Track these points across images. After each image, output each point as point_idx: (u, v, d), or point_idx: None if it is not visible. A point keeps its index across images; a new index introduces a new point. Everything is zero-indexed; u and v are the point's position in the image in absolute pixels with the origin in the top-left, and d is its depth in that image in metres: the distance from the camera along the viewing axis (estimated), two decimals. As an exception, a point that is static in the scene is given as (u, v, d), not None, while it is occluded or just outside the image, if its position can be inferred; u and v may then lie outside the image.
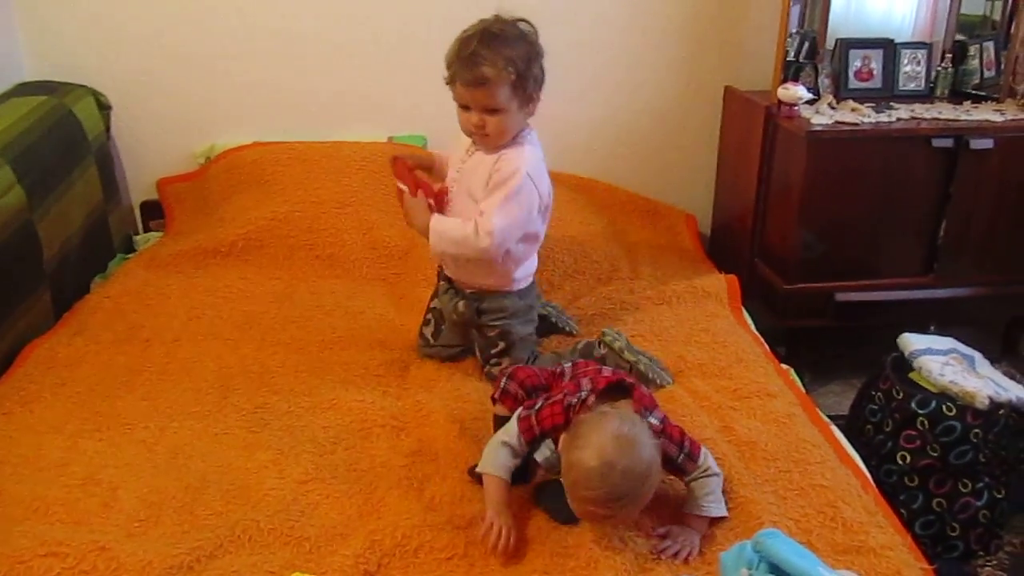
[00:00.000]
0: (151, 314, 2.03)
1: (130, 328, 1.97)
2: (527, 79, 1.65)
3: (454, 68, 1.65)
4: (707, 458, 1.41)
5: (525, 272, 1.84)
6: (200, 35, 2.44)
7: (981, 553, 1.87)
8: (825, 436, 1.63)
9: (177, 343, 1.91)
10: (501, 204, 1.68)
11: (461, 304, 1.82)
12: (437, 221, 1.73)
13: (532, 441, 1.39)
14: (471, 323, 1.83)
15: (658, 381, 1.76)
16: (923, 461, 1.84)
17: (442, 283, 1.89)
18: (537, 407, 1.40)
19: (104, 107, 2.43)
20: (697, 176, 2.72)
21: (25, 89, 2.29)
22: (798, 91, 2.21)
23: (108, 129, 2.46)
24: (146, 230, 2.59)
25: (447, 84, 1.69)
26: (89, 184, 2.27)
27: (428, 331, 1.91)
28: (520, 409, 1.44)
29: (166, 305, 2.07)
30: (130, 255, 2.39)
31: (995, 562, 1.86)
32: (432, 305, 1.92)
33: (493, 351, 1.82)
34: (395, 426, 1.64)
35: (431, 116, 2.53)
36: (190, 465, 1.51)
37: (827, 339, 2.46)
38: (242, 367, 1.82)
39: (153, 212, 2.58)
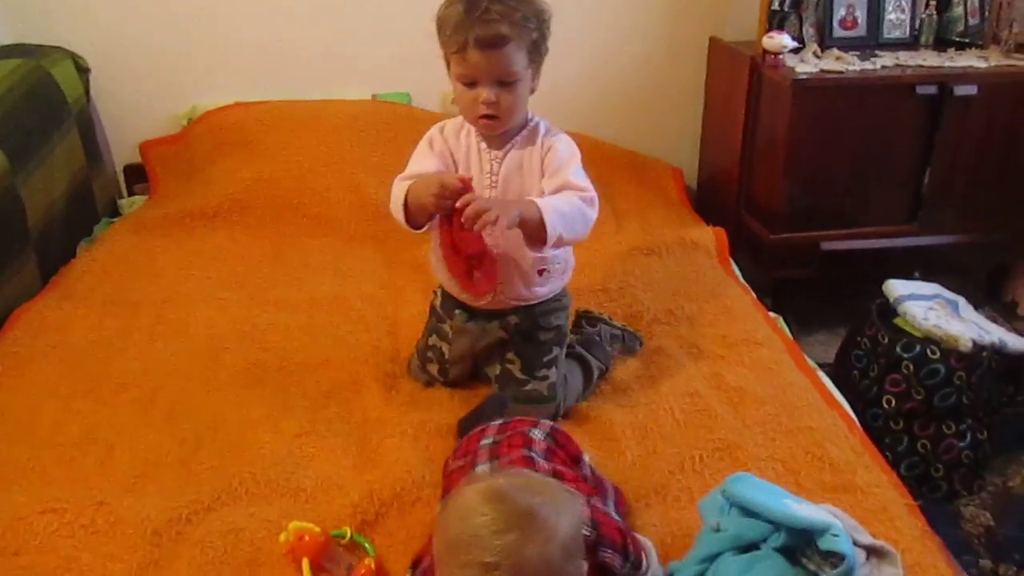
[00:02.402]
0: (139, 277, 2.02)
1: (118, 291, 1.96)
2: (541, 43, 1.44)
3: (461, 33, 1.36)
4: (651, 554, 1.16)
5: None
6: (178, -6, 2.41)
7: (964, 493, 1.91)
8: (812, 381, 1.65)
9: (167, 304, 1.91)
10: (579, 171, 1.49)
11: (513, 318, 1.57)
12: (537, 201, 1.40)
13: None
14: (523, 335, 1.58)
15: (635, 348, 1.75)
16: (908, 404, 1.87)
17: (456, 320, 1.60)
18: None
19: (83, 70, 2.40)
20: (683, 130, 2.72)
21: (1, 52, 2.25)
22: (783, 40, 2.20)
23: (88, 92, 2.42)
24: (130, 194, 2.57)
25: (448, 57, 1.43)
26: (71, 148, 2.25)
27: (433, 369, 1.65)
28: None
29: (154, 268, 2.07)
30: (115, 219, 2.37)
31: (978, 501, 1.90)
32: (431, 343, 1.64)
33: (546, 359, 1.57)
34: (388, 382, 1.65)
35: (415, 73, 2.53)
36: (185, 422, 1.52)
37: (813, 290, 2.48)
38: (233, 327, 1.82)
39: (137, 176, 2.56)
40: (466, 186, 1.37)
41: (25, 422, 1.52)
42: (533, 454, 1.21)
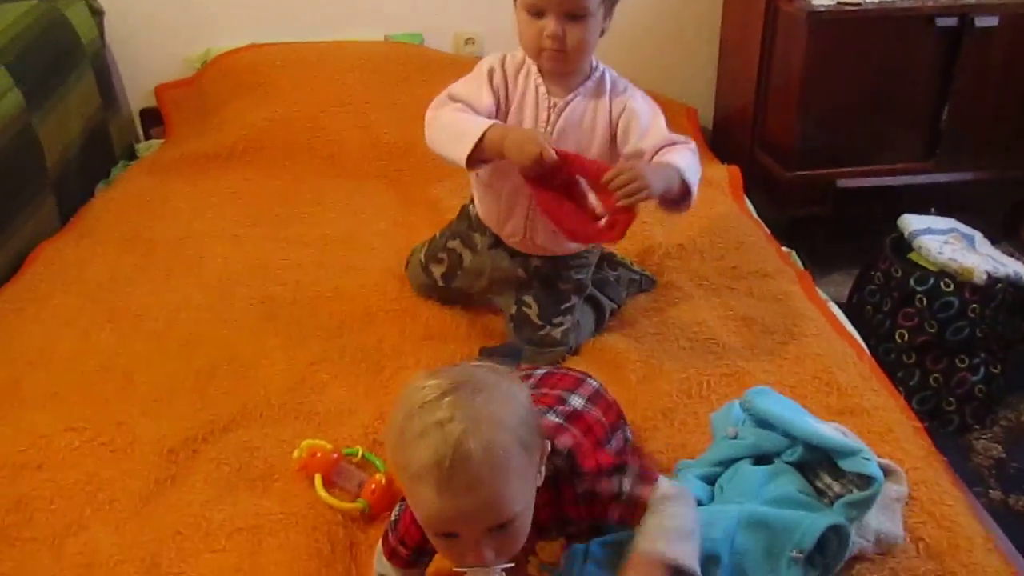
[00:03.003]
0: (155, 216, 2.05)
1: (135, 230, 1.99)
2: None
3: None
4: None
5: None
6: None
7: (976, 427, 1.91)
8: (821, 311, 1.65)
9: (182, 242, 1.94)
10: (659, 125, 1.43)
11: (536, 261, 1.55)
12: (677, 164, 1.33)
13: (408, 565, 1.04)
14: (542, 280, 1.56)
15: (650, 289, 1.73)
16: (920, 338, 1.87)
17: (485, 238, 1.58)
18: (394, 518, 1.04)
19: (96, 12, 2.40)
20: (698, 69, 2.69)
21: (15, -6, 2.26)
22: (799, -28, 2.16)
23: (102, 35, 2.43)
24: (147, 138, 2.59)
25: None
26: (87, 90, 2.26)
27: (437, 271, 1.62)
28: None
29: (169, 207, 2.09)
30: (133, 162, 2.39)
31: (989, 435, 1.91)
32: (450, 245, 1.62)
33: (563, 306, 1.54)
34: (402, 314, 1.67)
35: (427, 14, 2.52)
36: (200, 352, 1.55)
37: (829, 230, 2.46)
38: (247, 262, 1.84)
39: (153, 120, 2.57)
40: (565, 161, 1.30)
41: (46, 350, 1.56)
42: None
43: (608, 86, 1.44)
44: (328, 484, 1.20)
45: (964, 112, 2.24)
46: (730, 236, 1.90)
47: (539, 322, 1.53)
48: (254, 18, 2.50)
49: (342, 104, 2.33)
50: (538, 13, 1.33)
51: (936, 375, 1.89)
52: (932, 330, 1.85)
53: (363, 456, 1.27)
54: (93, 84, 2.30)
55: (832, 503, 1.06)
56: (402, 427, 0.86)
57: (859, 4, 2.13)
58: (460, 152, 1.34)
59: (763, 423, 1.13)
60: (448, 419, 0.83)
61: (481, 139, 1.31)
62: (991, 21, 2.12)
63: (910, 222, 1.97)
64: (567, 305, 1.55)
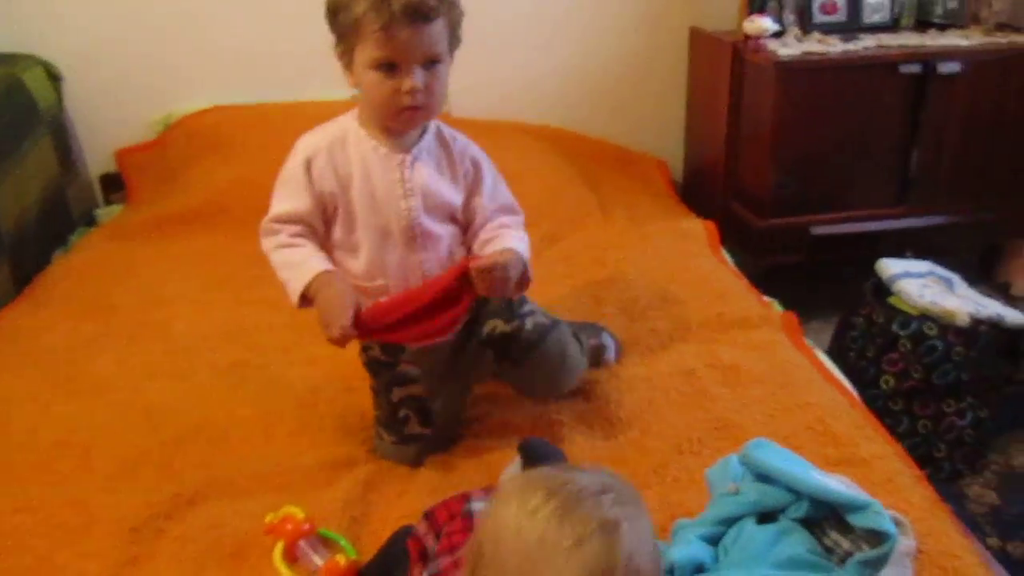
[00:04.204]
0: (116, 282, 1.97)
1: (96, 296, 1.91)
2: (458, 26, 1.27)
3: (383, 5, 1.16)
4: None
5: None
6: (151, -2, 2.37)
7: (967, 472, 1.87)
8: (810, 359, 1.61)
9: (146, 308, 1.86)
10: (501, 185, 1.39)
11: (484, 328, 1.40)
12: (515, 247, 1.29)
13: None
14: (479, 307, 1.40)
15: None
16: (907, 383, 1.84)
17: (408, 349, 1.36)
18: None
19: (55, 78, 2.36)
20: (667, 122, 2.70)
21: (-29, 60, 2.21)
22: (764, 23, 2.19)
23: (61, 101, 2.38)
24: (107, 203, 2.52)
25: (353, 42, 1.22)
26: (43, 156, 2.20)
27: (415, 427, 1.38)
28: None
29: (132, 273, 2.02)
30: (91, 228, 2.32)
31: (982, 480, 1.87)
32: (397, 399, 1.38)
33: (517, 299, 1.41)
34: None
35: (394, 72, 2.51)
36: (167, 422, 1.46)
37: (805, 278, 2.45)
38: (215, 327, 1.78)
39: (114, 185, 2.51)
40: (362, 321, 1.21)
41: (1, 426, 1.46)
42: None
43: (446, 133, 1.36)
44: (290, 556, 1.12)
45: (932, 157, 2.26)
46: (711, 287, 1.87)
47: (510, 327, 1.38)
48: (217, 80, 2.47)
49: (310, 163, 2.29)
50: (390, 68, 1.20)
51: (924, 421, 1.86)
52: (918, 375, 1.82)
53: (341, 544, 1.17)
54: (51, 149, 2.24)
55: (842, 561, 1.00)
56: (535, 538, 0.67)
57: (824, 53, 2.15)
58: (294, 303, 1.28)
59: (764, 477, 1.07)
60: (614, 524, 0.68)
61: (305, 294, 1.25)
62: (953, 67, 2.16)
63: (888, 266, 1.96)
64: (518, 296, 1.40)
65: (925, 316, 1.83)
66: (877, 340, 1.87)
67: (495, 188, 1.38)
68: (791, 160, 2.22)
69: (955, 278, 1.99)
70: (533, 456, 1.14)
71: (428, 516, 1.04)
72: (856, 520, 0.97)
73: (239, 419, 1.47)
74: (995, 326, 1.82)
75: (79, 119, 2.46)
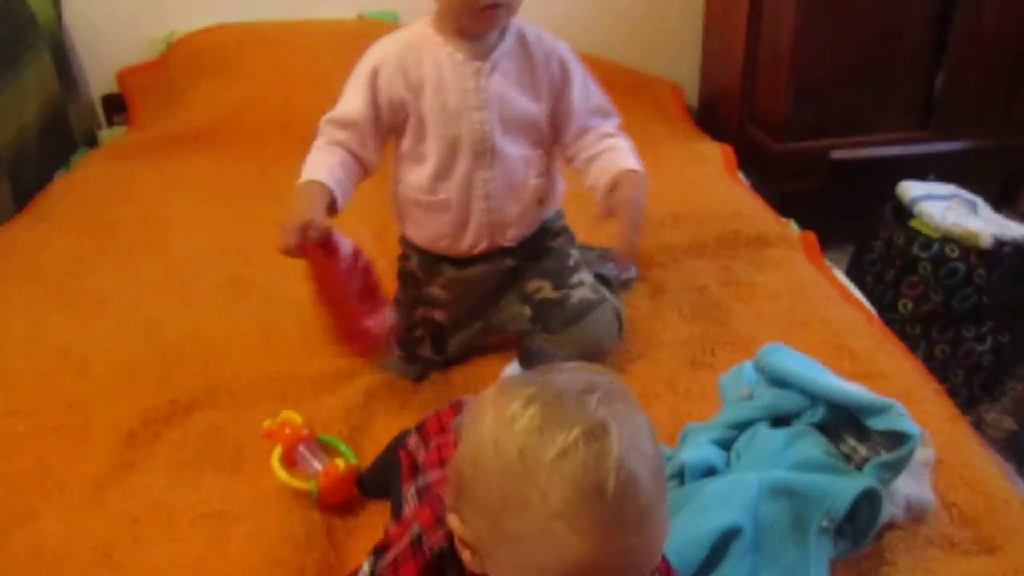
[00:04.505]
0: (117, 200, 1.93)
1: (95, 214, 1.87)
2: None
3: None
4: None
5: None
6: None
7: (985, 399, 1.83)
8: (827, 278, 1.57)
9: (146, 224, 1.82)
10: (592, 85, 1.32)
11: (514, 247, 1.34)
12: (634, 166, 1.24)
13: None
14: (533, 258, 1.36)
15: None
16: (925, 307, 1.79)
17: (447, 269, 1.33)
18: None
19: (54, -7, 2.29)
20: (682, 46, 2.60)
21: (-35, -29, 2.14)
22: (787, -65, 2.08)
23: (60, 18, 2.31)
24: (109, 125, 2.47)
25: None
26: (42, 72, 2.14)
27: (426, 350, 1.34)
28: None
29: (132, 191, 1.97)
30: (94, 149, 2.27)
31: (999, 407, 1.83)
32: (418, 318, 1.34)
33: (571, 262, 1.36)
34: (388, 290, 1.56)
35: (402, -10, 2.43)
36: (165, 334, 1.43)
37: (823, 204, 2.38)
38: (215, 243, 1.73)
39: (116, 106, 2.45)
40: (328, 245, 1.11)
41: (-2, 336, 1.44)
42: None
43: (531, 39, 1.26)
44: (288, 461, 1.09)
45: (958, 80, 2.16)
46: (727, 207, 1.81)
47: (558, 294, 1.32)
48: (219, -3, 2.39)
49: (314, 82, 2.20)
50: None
51: (943, 346, 1.81)
52: (937, 298, 1.77)
53: (340, 449, 1.14)
54: (50, 66, 2.18)
55: (859, 468, 0.97)
56: (519, 450, 0.59)
57: (850, -33, 2.05)
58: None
59: (779, 382, 1.03)
60: (601, 428, 0.58)
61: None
62: (985, -17, 2.06)
63: (909, 188, 1.89)
64: (573, 260, 1.36)
65: (947, 239, 1.77)
66: (896, 263, 1.82)
67: (586, 88, 1.30)
68: (810, 83, 2.13)
69: (979, 201, 1.92)
70: (533, 360, 1.10)
71: (419, 428, 0.99)
72: (875, 423, 0.94)
73: (238, 332, 1.43)
74: (1019, 248, 1.76)
75: (79, 38, 2.39)
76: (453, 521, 0.65)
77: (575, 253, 1.39)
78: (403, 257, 1.38)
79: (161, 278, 1.61)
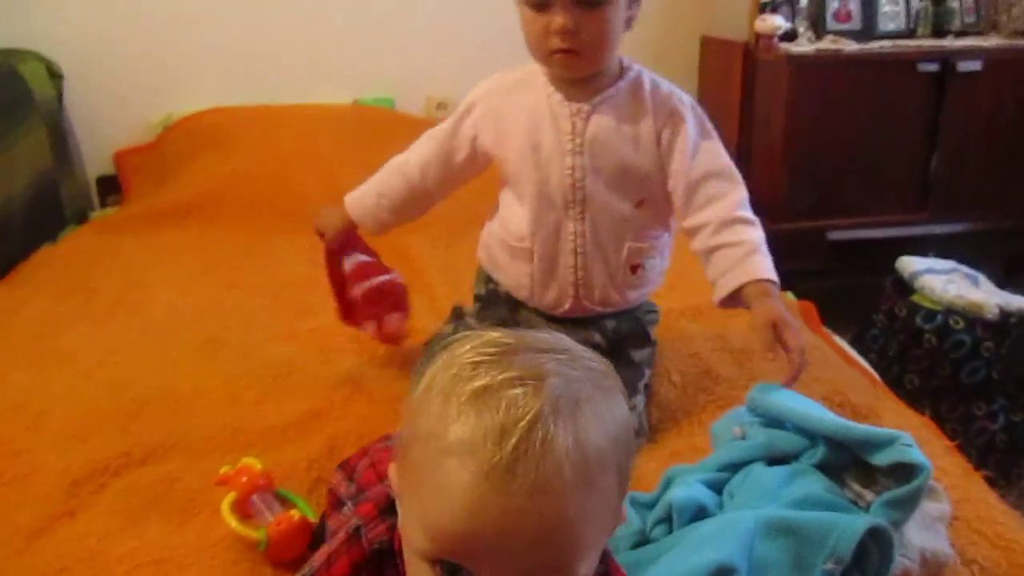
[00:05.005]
0: (100, 268, 1.89)
1: (77, 279, 1.82)
2: None
3: None
4: None
5: None
6: (155, -3, 2.35)
7: (1001, 482, 1.72)
8: (827, 342, 1.50)
9: (126, 289, 1.77)
10: (712, 144, 1.19)
11: (611, 323, 1.26)
12: (769, 274, 1.12)
13: None
14: (616, 347, 1.25)
15: None
16: (933, 382, 1.71)
17: (536, 319, 1.27)
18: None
19: (56, 75, 2.32)
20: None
21: (-31, 52, 2.18)
22: (775, 20, 2.13)
23: (61, 99, 2.34)
24: (103, 206, 2.46)
25: None
26: (36, 145, 2.15)
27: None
28: None
29: (117, 260, 1.93)
30: (83, 225, 2.26)
31: (1017, 492, 1.72)
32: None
33: (640, 383, 1.25)
34: (357, 349, 1.49)
35: (397, 77, 2.46)
36: (129, 390, 1.35)
37: (823, 288, 2.34)
38: (195, 307, 1.68)
39: (111, 187, 2.45)
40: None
41: (-47, 392, 1.36)
42: None
43: (647, 86, 1.17)
44: (241, 511, 0.99)
45: (954, 160, 2.17)
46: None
47: None
48: (219, 82, 2.43)
49: (307, 159, 2.23)
50: (542, 4, 1.07)
51: (953, 424, 1.72)
52: (944, 373, 1.70)
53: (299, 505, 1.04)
54: (45, 141, 2.19)
55: (867, 512, 0.88)
56: (450, 378, 0.54)
57: (839, 50, 2.08)
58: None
59: (774, 422, 0.95)
60: (537, 379, 0.52)
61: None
62: (974, 66, 2.09)
63: (910, 263, 1.85)
64: (643, 381, 1.25)
65: (950, 311, 1.71)
66: (900, 336, 1.75)
67: (699, 146, 1.16)
68: (805, 163, 2.14)
69: (980, 276, 1.87)
70: None
71: (341, 466, 0.93)
72: (881, 459, 0.85)
73: (205, 387, 1.36)
74: (1026, 320, 1.70)
75: (78, 118, 2.42)
76: (391, 471, 0.60)
77: (648, 372, 1.28)
78: (489, 281, 1.33)
79: (134, 339, 1.55)
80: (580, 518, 0.52)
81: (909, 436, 0.85)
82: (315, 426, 1.23)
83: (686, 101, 1.19)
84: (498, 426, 0.50)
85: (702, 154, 1.16)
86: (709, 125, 1.21)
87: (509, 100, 1.20)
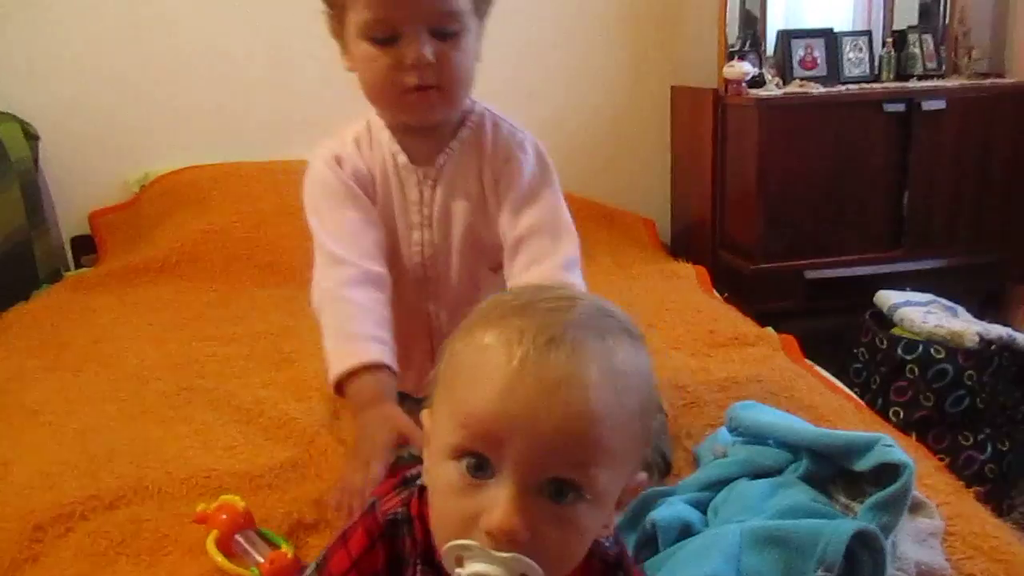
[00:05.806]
0: (71, 324, 1.86)
1: (47, 335, 1.79)
2: None
3: None
4: None
5: None
6: (130, 59, 2.37)
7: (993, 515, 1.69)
8: (811, 372, 1.49)
9: (97, 344, 1.74)
10: (556, 192, 1.05)
11: None
12: None
13: None
14: None
15: None
16: (918, 413, 1.70)
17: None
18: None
19: (32, 136, 2.32)
20: (652, 183, 2.66)
21: (-56, 113, 2.18)
22: (743, 67, 2.18)
23: (36, 160, 2.34)
24: (78, 266, 2.44)
25: (340, 2, 0.97)
26: (8, 205, 2.13)
27: None
28: None
29: (89, 316, 1.90)
30: (57, 286, 2.23)
31: (1010, 524, 1.68)
32: None
33: None
34: (333, 396, 1.45)
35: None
36: (99, 437, 1.31)
37: (802, 326, 2.33)
38: (167, 359, 1.64)
39: (86, 248, 2.44)
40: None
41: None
42: None
43: (489, 133, 1.04)
44: (225, 548, 0.95)
45: (924, 197, 2.20)
46: (703, 314, 1.76)
47: None
48: (195, 141, 2.45)
49: (283, 216, 2.21)
50: (388, 36, 0.92)
51: (940, 456, 1.69)
52: (929, 403, 1.68)
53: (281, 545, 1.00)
54: (18, 200, 2.17)
55: (856, 523, 0.85)
56: (490, 305, 0.60)
57: (807, 92, 2.13)
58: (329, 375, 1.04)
59: (756, 439, 0.93)
60: (571, 304, 0.58)
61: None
62: (939, 104, 2.13)
63: (889, 296, 1.86)
64: None
65: (931, 340, 1.71)
66: (882, 368, 1.74)
67: (528, 197, 1.01)
68: (778, 204, 2.16)
69: (959, 308, 1.88)
70: None
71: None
72: (864, 463, 0.84)
73: (177, 433, 1.32)
74: (1007, 348, 1.70)
75: (53, 178, 2.42)
76: (424, 417, 0.63)
77: None
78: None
79: (105, 390, 1.51)
80: (604, 418, 0.55)
81: (890, 438, 0.84)
82: (292, 472, 1.19)
83: (527, 146, 1.07)
84: (535, 326, 0.56)
85: (531, 207, 1.03)
86: (550, 170, 1.08)
87: (361, 154, 1.06)
